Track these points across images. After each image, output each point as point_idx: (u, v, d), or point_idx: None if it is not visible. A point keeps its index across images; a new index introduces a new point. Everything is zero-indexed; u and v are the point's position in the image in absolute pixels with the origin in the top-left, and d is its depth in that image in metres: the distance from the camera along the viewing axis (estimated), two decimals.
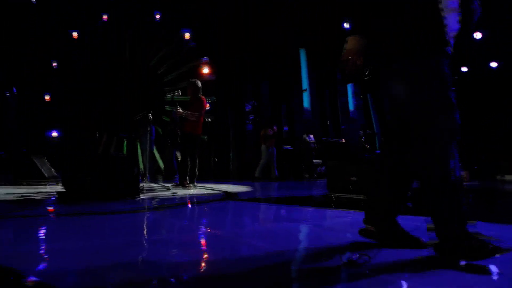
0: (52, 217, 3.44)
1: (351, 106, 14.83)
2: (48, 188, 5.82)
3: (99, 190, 4.39)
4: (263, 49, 13.18)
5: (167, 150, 8.99)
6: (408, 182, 2.13)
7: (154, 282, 1.55)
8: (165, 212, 3.75)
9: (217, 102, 13.68)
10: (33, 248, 2.11)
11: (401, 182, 2.10)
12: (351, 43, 2.01)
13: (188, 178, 6.36)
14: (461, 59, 2.23)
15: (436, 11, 1.86)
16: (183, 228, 2.94)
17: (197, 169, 6.45)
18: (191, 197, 5.17)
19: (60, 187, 5.43)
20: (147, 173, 6.68)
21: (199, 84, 6.60)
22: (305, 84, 14.87)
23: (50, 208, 3.91)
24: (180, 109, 6.22)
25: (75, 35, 12.92)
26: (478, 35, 11.58)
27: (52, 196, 4.79)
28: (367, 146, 11.04)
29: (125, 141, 11.92)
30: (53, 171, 6.60)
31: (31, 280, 1.57)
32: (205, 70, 12.66)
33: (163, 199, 4.79)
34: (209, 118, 13.19)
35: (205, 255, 2.09)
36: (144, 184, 5.55)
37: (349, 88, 14.74)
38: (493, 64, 13.03)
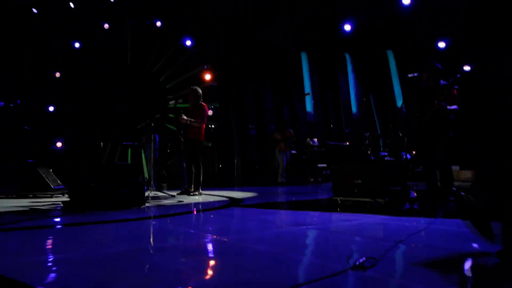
0: (58, 227, 3.45)
1: (354, 109, 14.80)
2: (54, 199, 5.84)
3: (104, 199, 4.40)
4: (264, 53, 13.21)
5: (176, 157, 8.96)
6: None
7: None
8: (171, 220, 3.75)
9: (220, 108, 13.69)
10: (39, 258, 2.11)
11: None
12: None
13: (192, 186, 6.37)
14: None
15: None
16: (189, 236, 2.94)
17: (201, 176, 6.46)
18: (196, 204, 5.16)
19: (65, 198, 5.45)
20: (152, 181, 6.69)
21: (200, 91, 6.63)
22: (307, 87, 14.87)
23: (56, 218, 3.92)
24: (185, 117, 6.24)
25: (77, 45, 13.02)
26: None
27: (58, 206, 4.80)
28: (370, 148, 10.98)
29: (129, 150, 11.94)
30: (59, 182, 6.63)
31: None
32: (207, 77, 12.68)
33: (169, 207, 4.79)
34: (212, 125, 13.22)
35: (212, 262, 2.08)
36: (149, 193, 5.56)
37: (352, 90, 14.73)
38: None
